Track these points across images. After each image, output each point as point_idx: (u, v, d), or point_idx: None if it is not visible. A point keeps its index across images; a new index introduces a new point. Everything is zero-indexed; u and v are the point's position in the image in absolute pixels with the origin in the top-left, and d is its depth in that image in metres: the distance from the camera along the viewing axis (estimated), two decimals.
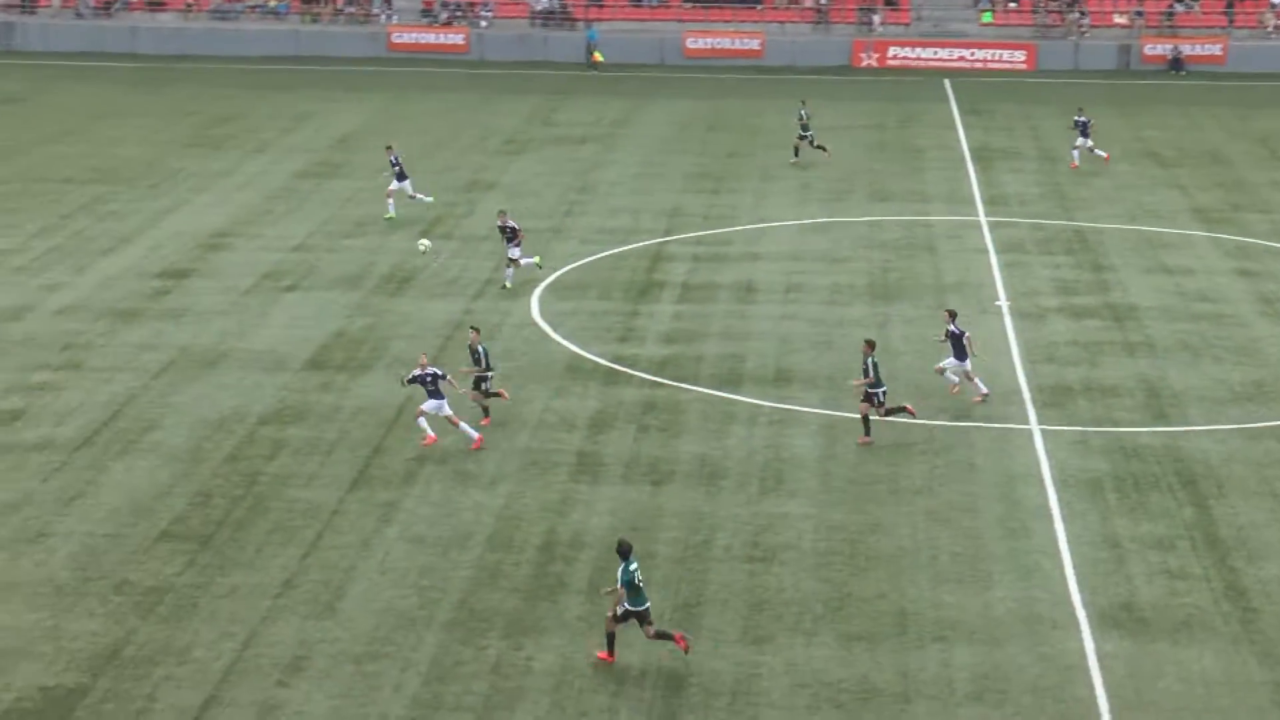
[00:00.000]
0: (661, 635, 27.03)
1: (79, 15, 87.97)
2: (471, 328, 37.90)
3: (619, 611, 26.88)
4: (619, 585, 26.91)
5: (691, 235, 52.68)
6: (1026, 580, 29.83)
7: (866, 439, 35.73)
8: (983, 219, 54.93)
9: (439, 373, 35.46)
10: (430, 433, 35.22)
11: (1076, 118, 62.80)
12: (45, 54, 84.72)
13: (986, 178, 60.91)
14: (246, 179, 59.66)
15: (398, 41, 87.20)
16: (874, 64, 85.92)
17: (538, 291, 46.42)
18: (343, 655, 27.28)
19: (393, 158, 54.14)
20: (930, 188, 59.55)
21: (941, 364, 38.58)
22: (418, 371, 35.44)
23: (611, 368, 40.49)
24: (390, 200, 53.90)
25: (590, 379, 39.72)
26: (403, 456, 35.04)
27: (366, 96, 75.28)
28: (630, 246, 51.28)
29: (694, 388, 39.21)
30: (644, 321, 44.04)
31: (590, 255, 50.18)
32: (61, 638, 27.76)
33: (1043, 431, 36.63)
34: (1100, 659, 27.26)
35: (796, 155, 62.44)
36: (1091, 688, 26.48)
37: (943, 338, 38.60)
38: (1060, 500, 33.10)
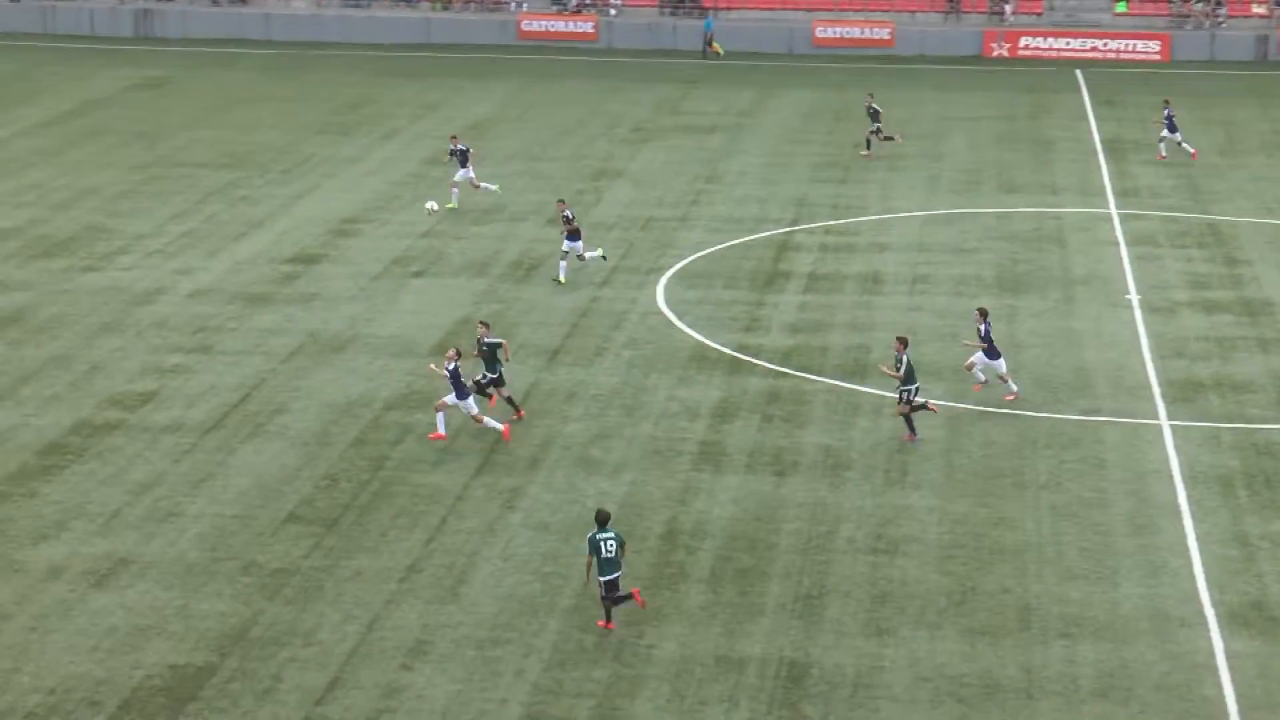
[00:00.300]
0: (618, 600, 27.53)
1: (215, 2, 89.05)
2: (481, 321, 37.42)
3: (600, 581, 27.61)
4: (589, 553, 27.49)
5: (818, 225, 52.45)
6: (1154, 577, 29.46)
7: (911, 436, 35.29)
8: (1114, 211, 54.26)
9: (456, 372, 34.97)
10: (441, 429, 35.11)
11: (1165, 111, 61.84)
12: (183, 40, 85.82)
13: (1118, 170, 60.15)
14: (376, 165, 60.12)
15: (528, 29, 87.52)
16: (1005, 54, 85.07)
17: (663, 280, 46.40)
18: (465, 640, 27.45)
19: (456, 147, 54.49)
20: (1060, 179, 58.90)
21: (971, 360, 37.98)
22: (450, 366, 35.23)
23: (736, 357, 40.42)
24: (454, 189, 54.25)
25: (715, 368, 39.67)
26: (527, 443, 35.17)
27: (495, 84, 75.62)
28: (757, 236, 51.15)
29: (819, 378, 39.06)
30: (769, 311, 43.91)
31: (716, 244, 50.10)
32: (191, 617, 28.13)
33: (1172, 427, 36.15)
34: (1229, 658, 26.88)
35: (869, 148, 61.68)
36: (1219, 687, 26.12)
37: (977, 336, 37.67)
38: (1189, 497, 32.66)
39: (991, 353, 37.33)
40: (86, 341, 41.09)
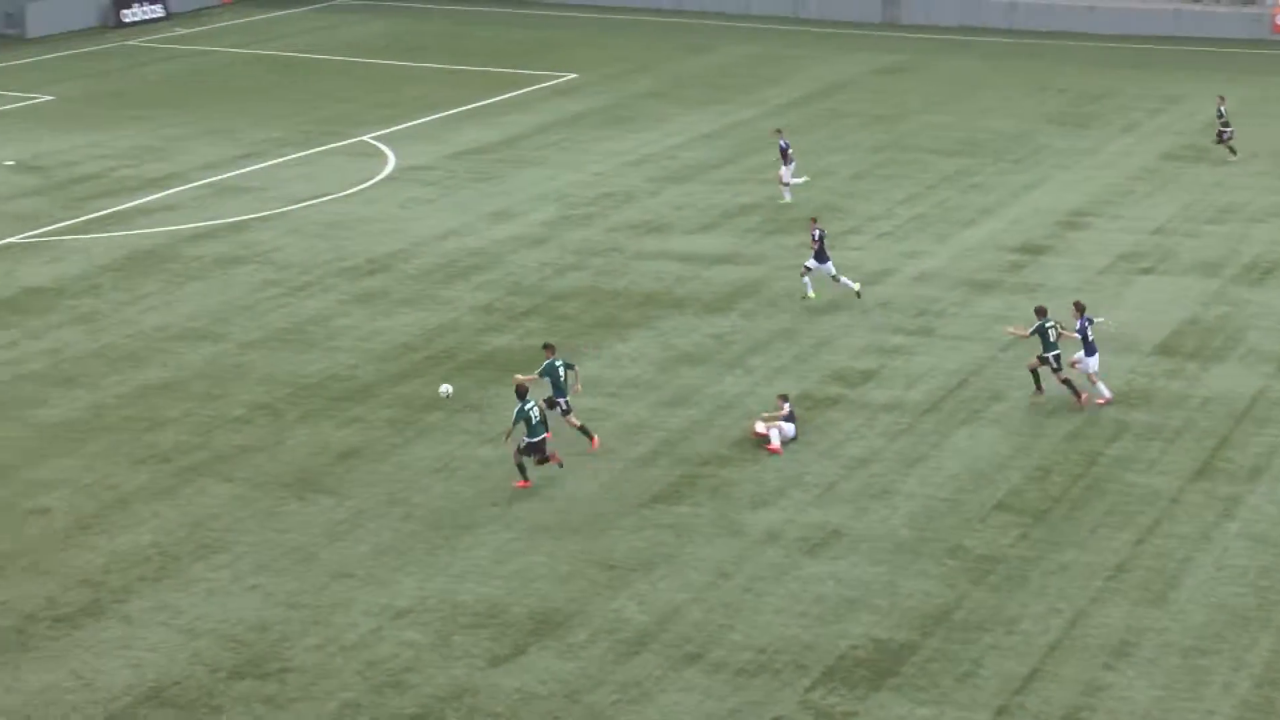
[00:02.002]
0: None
1: None
2: (545, 345, 35.63)
3: (521, 445, 32.23)
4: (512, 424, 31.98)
5: None
6: None
7: (1038, 393, 36.32)
8: None
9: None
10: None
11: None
12: (926, 26, 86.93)
13: None
14: (1110, 158, 59.25)
15: None
16: None
17: None
18: (1170, 646, 26.88)
19: (782, 142, 53.40)
20: None
21: (1075, 356, 35.63)
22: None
23: None
24: (785, 188, 53.14)
25: None
26: (1250, 451, 34.03)
27: (1243, 79, 73.11)
28: None
29: None
30: None
31: None
32: (897, 594, 28.67)
33: None
34: None
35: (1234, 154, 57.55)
36: None
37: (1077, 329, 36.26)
38: None
39: (1089, 349, 36.19)
40: (814, 317, 42.35)
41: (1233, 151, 57.90)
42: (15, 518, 31.67)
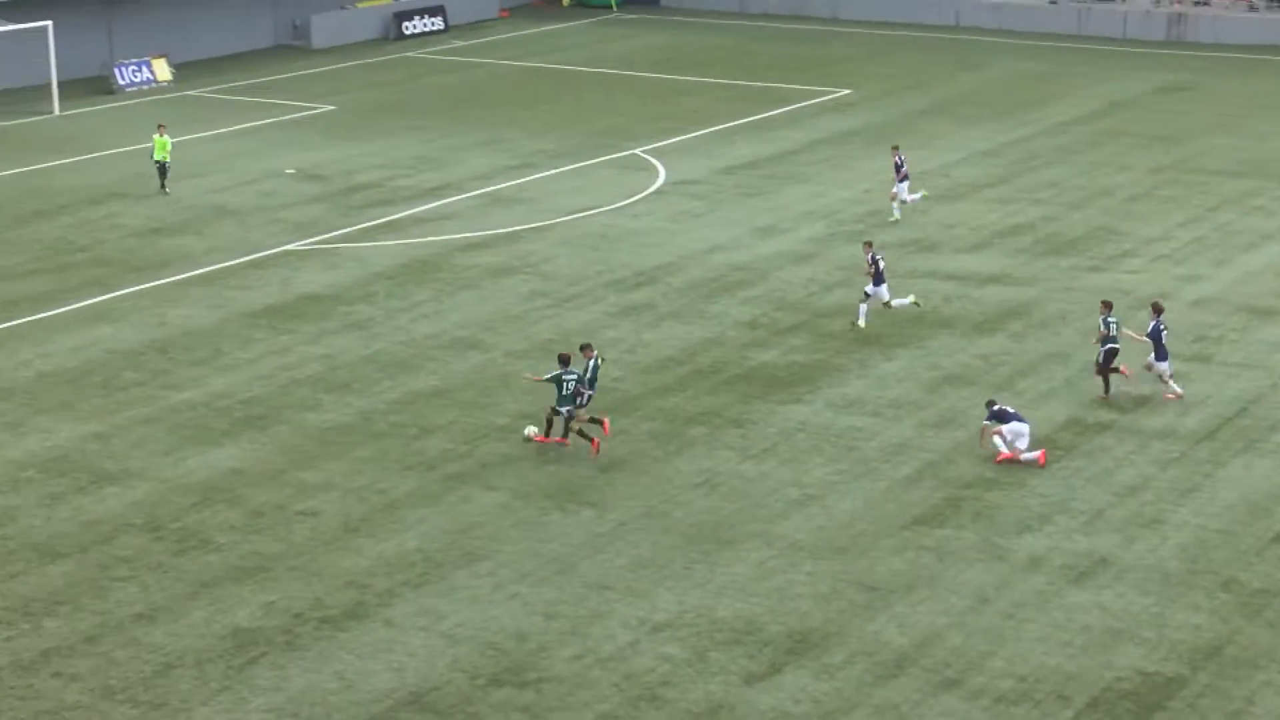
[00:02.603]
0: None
1: (1251, 8, 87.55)
2: (581, 346, 36.62)
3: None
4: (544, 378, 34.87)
5: None
6: None
7: (1103, 396, 37.34)
8: None
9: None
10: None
11: None
12: (1213, 45, 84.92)
13: None
14: None
15: None
16: None
17: None
18: None
19: (898, 158, 52.27)
20: None
21: (1148, 359, 37.04)
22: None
23: None
24: (897, 204, 52.18)
25: None
26: None
27: None
28: None
29: None
30: None
31: None
32: (1165, 626, 27.99)
33: None
34: None
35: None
36: None
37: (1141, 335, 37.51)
38: None
39: (1160, 353, 37.05)
40: (1085, 339, 41.60)
41: None
42: (285, 519, 32.48)
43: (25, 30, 70.26)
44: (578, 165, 60.60)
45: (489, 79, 77.54)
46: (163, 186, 56.36)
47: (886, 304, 43.06)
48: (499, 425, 36.96)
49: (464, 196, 56.36)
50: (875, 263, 42.72)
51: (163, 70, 76.09)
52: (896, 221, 52.39)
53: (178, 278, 47.58)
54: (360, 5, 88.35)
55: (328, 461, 35.19)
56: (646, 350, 41.68)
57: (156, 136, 56.70)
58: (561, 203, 55.19)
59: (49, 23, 70.06)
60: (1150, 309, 38.20)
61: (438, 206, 55.23)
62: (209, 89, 74.88)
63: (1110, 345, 37.61)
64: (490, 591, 29.57)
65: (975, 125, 66.18)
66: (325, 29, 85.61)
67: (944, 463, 34.73)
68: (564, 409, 35.29)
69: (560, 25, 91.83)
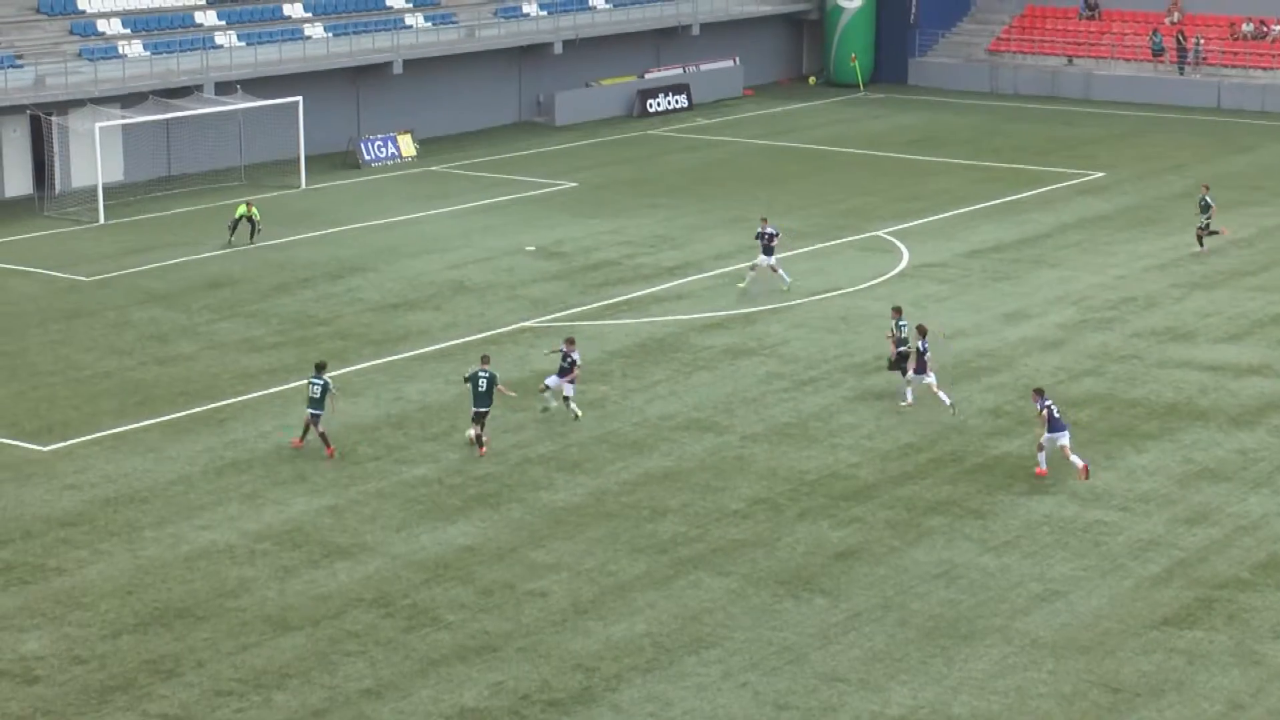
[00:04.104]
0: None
1: None
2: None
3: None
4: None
5: None
6: None
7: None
8: None
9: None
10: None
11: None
12: None
13: None
14: None
15: None
16: None
17: None
18: None
19: (765, 230, 53.15)
20: None
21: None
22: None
23: None
24: (778, 275, 49.96)
25: None
26: None
27: None
28: None
29: None
30: None
31: None
32: None
33: None
34: None
35: (1201, 245, 58.18)
36: None
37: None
38: None
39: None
40: None
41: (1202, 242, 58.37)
42: (514, 599, 32.66)
43: (277, 105, 72.37)
44: (819, 246, 60.51)
45: (732, 157, 77.90)
46: (230, 238, 60.63)
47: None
48: (732, 509, 36.86)
49: (703, 276, 56.54)
50: (922, 350, 43.23)
51: (407, 146, 77.74)
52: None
53: (415, 352, 48.35)
54: (604, 83, 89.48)
55: (558, 541, 35.36)
56: (885, 436, 41.31)
57: (242, 207, 60.72)
58: (801, 283, 55.09)
59: (299, 98, 72.10)
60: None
61: (676, 285, 55.48)
62: (452, 164, 76.28)
63: (902, 349, 43.61)
64: (720, 679, 29.39)
65: (1234, 210, 64.78)
66: (569, 106, 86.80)
67: (1196, 561, 33.85)
68: (314, 412, 39.95)
69: (806, 104, 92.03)
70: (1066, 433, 38.00)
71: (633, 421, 42.60)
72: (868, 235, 62.16)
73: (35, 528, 36.03)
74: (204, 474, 39.17)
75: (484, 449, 40.20)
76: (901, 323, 44.16)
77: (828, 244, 60.79)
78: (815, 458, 39.92)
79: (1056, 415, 37.97)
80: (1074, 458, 37.90)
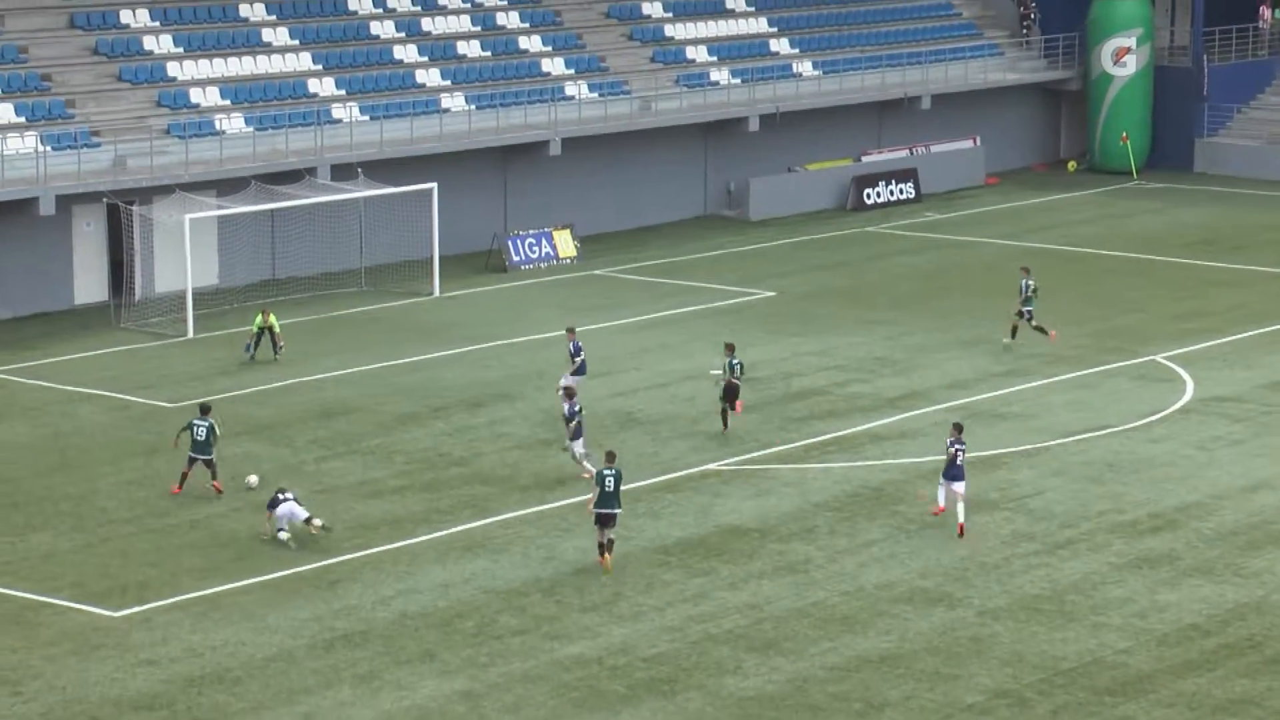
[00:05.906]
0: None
1: None
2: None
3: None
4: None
5: None
6: None
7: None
8: None
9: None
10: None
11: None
12: None
13: None
14: None
15: None
16: None
17: None
18: None
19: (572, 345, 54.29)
20: None
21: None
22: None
23: None
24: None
25: None
26: None
27: None
28: None
29: None
30: None
31: None
32: None
33: None
34: None
35: (1014, 335, 62.94)
36: None
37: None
38: None
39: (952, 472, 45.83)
40: None
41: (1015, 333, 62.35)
42: None
43: (406, 194, 72.93)
44: (1081, 373, 60.22)
45: (970, 261, 77.88)
46: (253, 353, 62.28)
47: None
48: (967, 703, 36.60)
49: (932, 409, 56.44)
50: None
51: (566, 244, 78.36)
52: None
53: (569, 501, 48.59)
54: (810, 168, 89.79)
55: None
56: (1163, 616, 40.88)
57: (260, 317, 62.33)
58: (1058, 420, 54.81)
59: (433, 185, 72.62)
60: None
61: (899, 421, 55.42)
62: (621, 268, 76.90)
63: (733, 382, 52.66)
64: None
65: None
66: (766, 196, 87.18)
67: None
68: (199, 456, 47.46)
69: (1065, 195, 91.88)
70: (964, 484, 45.55)
71: (842, 590, 42.51)
72: (1142, 360, 61.79)
73: (103, 713, 36.52)
74: (309, 649, 39.56)
75: (605, 559, 42.88)
76: (733, 360, 53.38)
77: (1091, 370, 60.50)
78: (1073, 640, 39.56)
79: (959, 463, 45.37)
80: (960, 510, 45.03)
